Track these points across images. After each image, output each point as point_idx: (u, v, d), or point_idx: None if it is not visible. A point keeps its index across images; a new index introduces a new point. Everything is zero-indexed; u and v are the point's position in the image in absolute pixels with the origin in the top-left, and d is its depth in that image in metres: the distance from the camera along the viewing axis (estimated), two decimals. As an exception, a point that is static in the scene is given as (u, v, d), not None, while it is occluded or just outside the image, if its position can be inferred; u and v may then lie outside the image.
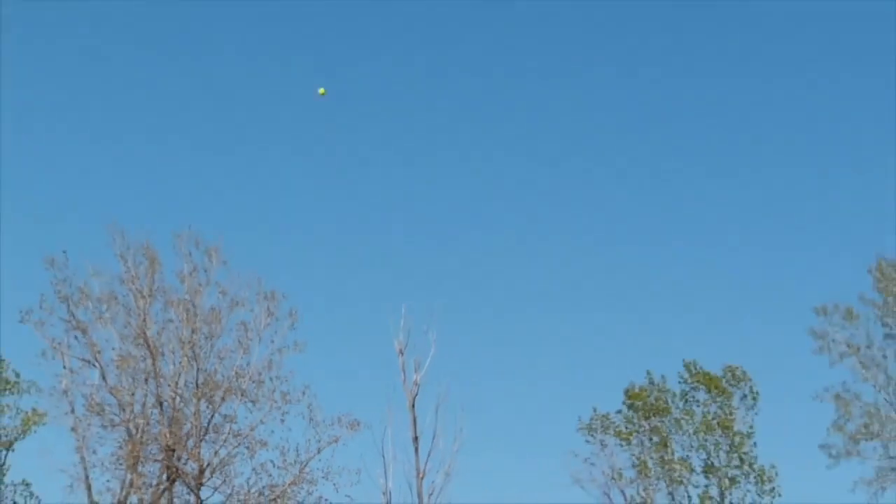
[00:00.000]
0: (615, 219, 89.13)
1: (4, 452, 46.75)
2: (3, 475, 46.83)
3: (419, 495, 43.96)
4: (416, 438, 44.45)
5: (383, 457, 44.34)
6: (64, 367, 42.48)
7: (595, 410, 50.48)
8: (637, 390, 50.26)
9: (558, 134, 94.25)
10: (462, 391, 62.63)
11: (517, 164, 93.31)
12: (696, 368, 50.58)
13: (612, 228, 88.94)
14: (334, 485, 42.50)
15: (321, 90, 24.66)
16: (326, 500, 42.61)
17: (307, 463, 42.74)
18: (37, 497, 47.13)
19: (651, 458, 49.14)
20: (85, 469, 41.97)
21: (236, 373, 42.70)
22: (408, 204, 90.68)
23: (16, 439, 46.59)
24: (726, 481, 48.83)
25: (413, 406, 44.86)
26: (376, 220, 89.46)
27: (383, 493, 44.09)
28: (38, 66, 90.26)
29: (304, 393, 42.90)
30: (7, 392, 46.98)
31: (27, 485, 47.18)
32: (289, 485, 42.52)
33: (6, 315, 46.81)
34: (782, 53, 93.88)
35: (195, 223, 45.57)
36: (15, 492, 47.05)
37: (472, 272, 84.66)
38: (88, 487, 42.03)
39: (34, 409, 46.08)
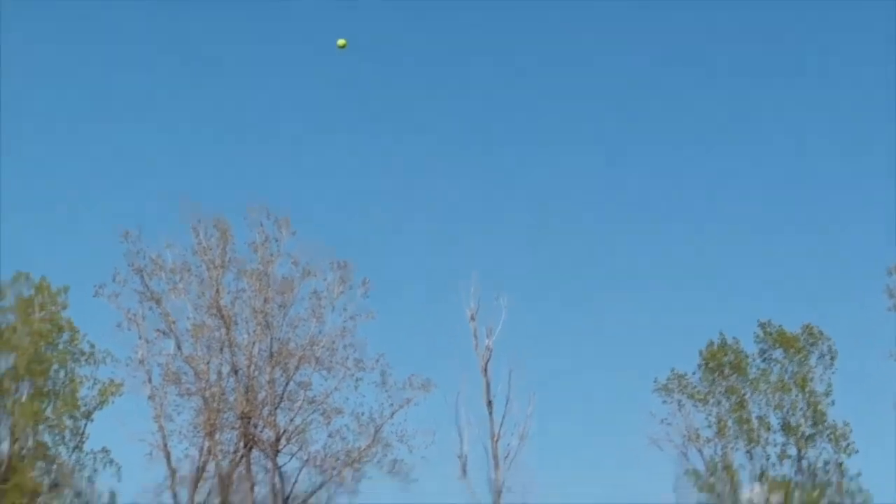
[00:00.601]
0: (687, 180, 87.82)
1: (84, 422, 47.44)
2: (83, 444, 47.54)
3: (494, 458, 44.05)
4: (489, 402, 44.51)
5: (457, 420, 44.55)
6: (140, 338, 43.00)
7: (673, 370, 50.40)
8: (714, 349, 49.92)
9: (630, 103, 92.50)
10: (535, 355, 62.57)
11: (584, 128, 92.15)
12: (771, 328, 50.26)
13: (684, 191, 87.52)
14: (409, 447, 42.86)
15: (341, 42, 23.56)
16: (402, 462, 43.00)
17: (381, 426, 43.07)
18: (116, 464, 47.75)
19: (730, 417, 48.87)
20: (163, 437, 42.54)
21: (310, 341, 42.90)
22: (478, 169, 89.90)
23: (94, 409, 47.24)
24: (803, 441, 48.51)
25: (486, 370, 44.92)
26: (447, 186, 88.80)
27: (458, 456, 44.26)
28: (105, 47, 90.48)
29: (377, 360, 43.17)
30: (84, 363, 47.58)
31: (107, 452, 47.81)
32: (364, 449, 42.84)
33: (81, 289, 47.55)
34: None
35: (265, 195, 45.99)
36: (95, 459, 47.71)
37: (542, 236, 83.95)
38: (167, 455, 42.62)
39: (111, 380, 46.69)
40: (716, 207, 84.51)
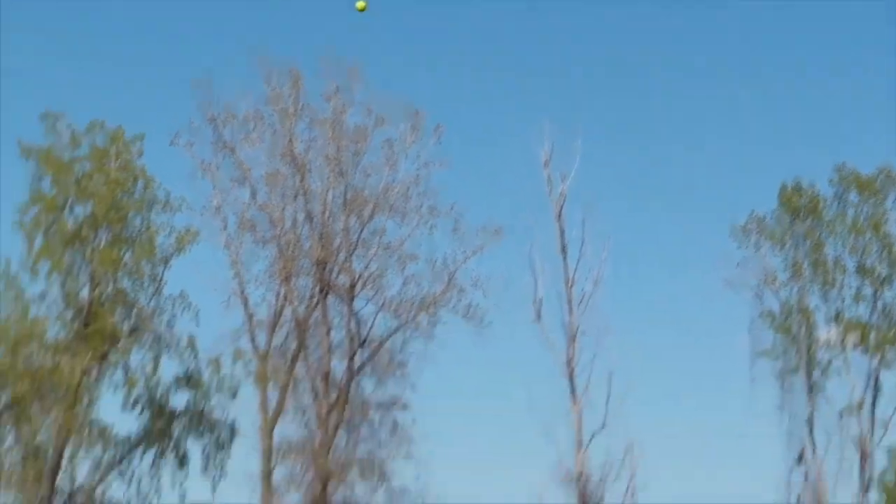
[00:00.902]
0: (762, 23, 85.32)
1: (162, 268, 47.90)
2: (162, 289, 48.11)
3: (569, 303, 44.31)
4: (563, 248, 44.58)
5: (531, 266, 44.71)
6: (214, 187, 43.40)
7: (752, 213, 49.47)
8: (789, 192, 49.10)
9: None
10: (609, 198, 62.39)
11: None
12: (846, 171, 49.34)
13: (760, 34, 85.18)
14: (483, 292, 43.11)
15: (360, 4, 22.26)
16: (476, 306, 43.24)
17: (455, 272, 43.33)
18: (195, 308, 48.25)
19: (806, 260, 48.38)
20: (240, 284, 43.16)
21: (384, 188, 43.01)
22: (548, 12, 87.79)
23: (171, 256, 47.63)
24: (878, 282, 48.08)
25: (560, 216, 44.86)
26: (518, 30, 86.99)
27: (533, 302, 44.57)
28: None
29: (451, 208, 43.20)
30: (160, 211, 47.82)
31: (184, 297, 48.30)
32: (439, 294, 43.17)
33: (153, 139, 47.76)
34: None
35: (336, 46, 45.46)
36: (174, 304, 48.27)
37: (616, 79, 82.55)
38: (245, 301, 43.22)
39: (188, 228, 46.97)
40: (790, 48, 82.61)
